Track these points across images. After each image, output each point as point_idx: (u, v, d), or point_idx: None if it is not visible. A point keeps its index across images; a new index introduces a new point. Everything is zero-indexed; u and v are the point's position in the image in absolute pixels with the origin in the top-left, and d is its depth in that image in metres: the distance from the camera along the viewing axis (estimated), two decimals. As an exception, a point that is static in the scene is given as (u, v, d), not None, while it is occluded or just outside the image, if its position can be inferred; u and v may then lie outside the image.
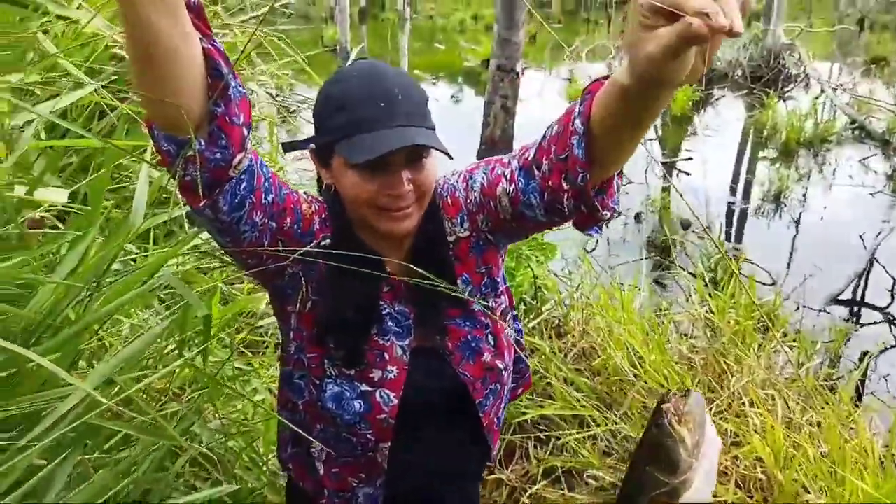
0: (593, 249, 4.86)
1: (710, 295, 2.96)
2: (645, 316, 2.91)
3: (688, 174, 6.74)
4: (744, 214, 5.82)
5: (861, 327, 4.13)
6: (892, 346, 3.94)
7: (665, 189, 6.10)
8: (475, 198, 1.13)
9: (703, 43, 0.63)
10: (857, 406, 2.44)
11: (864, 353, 3.16)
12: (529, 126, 8.10)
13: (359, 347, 1.11)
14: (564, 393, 2.48)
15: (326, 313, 1.12)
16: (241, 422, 1.65)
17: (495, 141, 6.81)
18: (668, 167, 6.95)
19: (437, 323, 1.16)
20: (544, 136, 0.98)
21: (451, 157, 1.06)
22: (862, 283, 4.62)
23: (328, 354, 1.12)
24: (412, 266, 1.06)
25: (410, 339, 1.14)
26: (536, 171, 0.99)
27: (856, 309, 4.37)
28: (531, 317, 2.93)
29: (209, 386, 1.55)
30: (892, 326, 4.19)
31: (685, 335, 2.97)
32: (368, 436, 1.12)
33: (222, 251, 1.20)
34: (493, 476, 2.57)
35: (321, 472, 1.18)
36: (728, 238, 5.38)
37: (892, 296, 4.45)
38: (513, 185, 1.03)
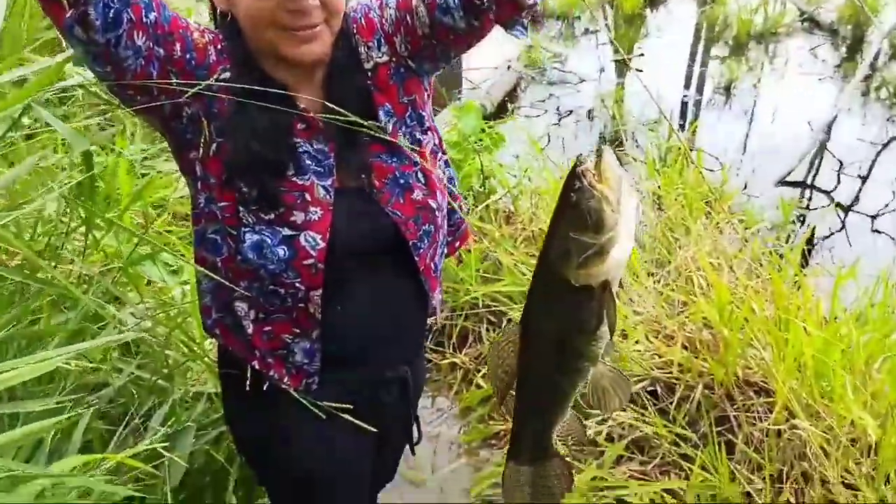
0: (545, 148, 4.77)
1: (658, 172, 2.92)
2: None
3: (640, 71, 6.62)
4: (697, 107, 5.78)
5: (809, 210, 4.18)
6: (840, 229, 4.01)
7: (618, 84, 6.01)
8: (391, 15, 1.03)
9: None
10: (803, 269, 2.48)
11: (812, 228, 3.20)
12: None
13: (275, 187, 1.01)
14: (513, 270, 2.45)
15: (234, 154, 1.01)
16: (168, 304, 1.56)
17: None
18: (621, 64, 6.82)
19: (361, 160, 1.06)
20: None
21: None
22: (812, 169, 4.66)
23: (242, 200, 1.02)
24: (326, 102, 0.96)
25: (333, 178, 1.04)
26: None
27: (806, 192, 4.42)
28: (479, 203, 2.87)
29: (124, 267, 1.43)
30: (838, 208, 4.24)
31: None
32: (297, 284, 1.03)
33: (107, 88, 1.06)
34: (447, 360, 2.57)
35: (250, 332, 1.10)
36: (682, 129, 5.34)
37: (839, 179, 4.50)
38: None
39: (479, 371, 2.45)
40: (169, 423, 1.35)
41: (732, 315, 2.00)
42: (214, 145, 1.01)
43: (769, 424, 1.80)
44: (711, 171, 4.30)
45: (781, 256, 2.62)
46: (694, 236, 2.48)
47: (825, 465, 1.69)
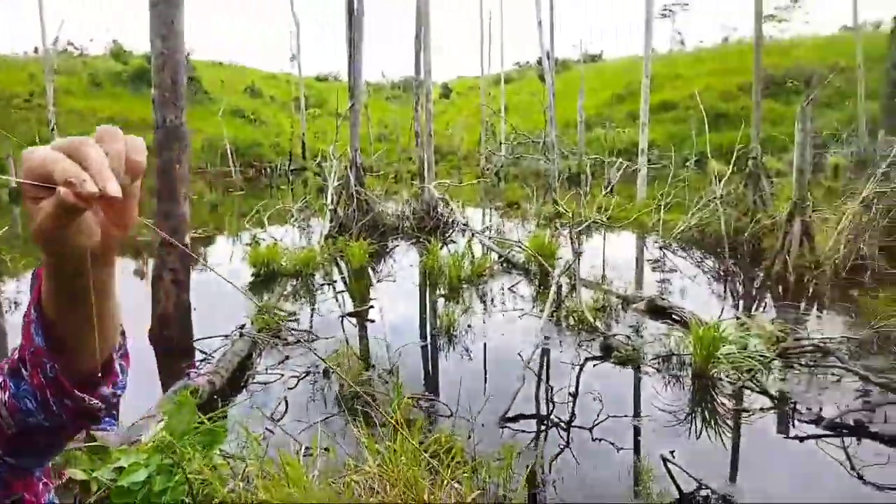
0: (280, 419, 4.64)
1: (379, 452, 2.96)
2: (320, 482, 2.78)
3: (372, 321, 7.07)
4: (425, 351, 6.22)
5: (532, 443, 4.53)
6: (566, 447, 4.36)
7: (360, 336, 6.26)
8: None
9: (81, 209, 0.66)
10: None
11: (530, 469, 3.43)
12: (211, 294, 7.76)
13: None
14: None
15: None
16: None
17: (169, 318, 6.32)
18: (356, 316, 7.21)
19: None
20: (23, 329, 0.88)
21: None
22: (535, 395, 5.16)
23: None
24: None
25: None
26: (24, 371, 0.86)
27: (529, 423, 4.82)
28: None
29: None
30: (552, 431, 4.64)
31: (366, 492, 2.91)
32: None
33: None
34: None
35: None
36: (427, 376, 5.63)
37: (550, 402, 5.03)
38: (7, 393, 0.88)
39: None
40: None
41: None
42: None
43: None
44: (442, 415, 4.56)
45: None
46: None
47: None
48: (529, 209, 13.44)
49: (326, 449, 3.61)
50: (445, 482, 2.81)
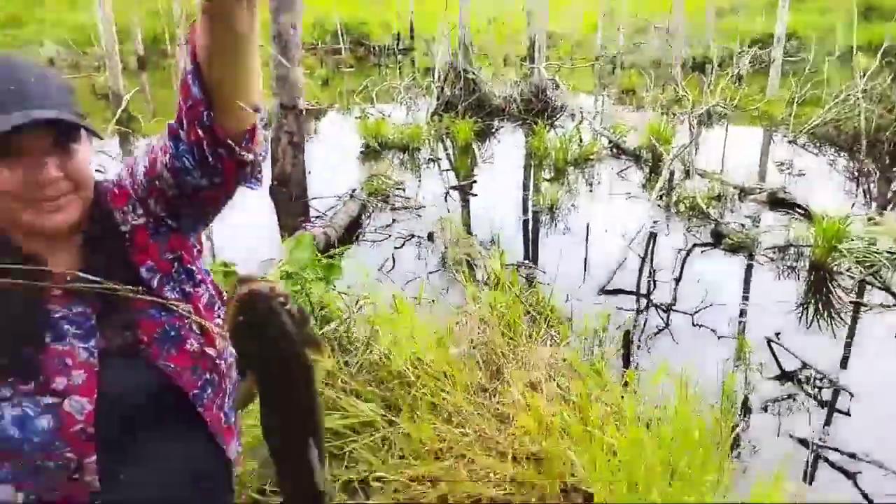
0: (389, 271, 4.90)
1: (480, 293, 3.08)
2: (426, 322, 2.96)
3: (475, 195, 7.14)
4: (526, 226, 6.27)
5: (640, 313, 4.54)
6: (665, 328, 4.35)
7: (462, 208, 6.39)
8: (141, 182, 1.09)
9: None
10: (624, 371, 2.67)
11: (626, 332, 3.48)
12: (324, 161, 8.07)
13: (31, 357, 0.97)
14: (349, 403, 2.41)
15: None
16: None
17: (287, 176, 6.66)
18: (460, 190, 7.31)
19: (126, 318, 1.05)
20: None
21: (100, 137, 1.02)
22: (636, 275, 5.13)
23: None
24: (79, 271, 0.98)
25: (96, 339, 1.01)
26: (181, 132, 0.98)
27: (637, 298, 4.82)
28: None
29: None
30: (650, 310, 4.61)
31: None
32: (68, 454, 0.96)
33: None
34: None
35: None
36: (527, 248, 5.72)
37: (652, 283, 4.99)
38: (167, 155, 1.01)
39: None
40: None
41: (550, 428, 2.09)
42: None
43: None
44: (544, 283, 4.65)
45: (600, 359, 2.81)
46: (519, 354, 2.61)
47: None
48: (646, 97, 12.68)
49: (432, 301, 3.81)
50: (542, 331, 2.91)
